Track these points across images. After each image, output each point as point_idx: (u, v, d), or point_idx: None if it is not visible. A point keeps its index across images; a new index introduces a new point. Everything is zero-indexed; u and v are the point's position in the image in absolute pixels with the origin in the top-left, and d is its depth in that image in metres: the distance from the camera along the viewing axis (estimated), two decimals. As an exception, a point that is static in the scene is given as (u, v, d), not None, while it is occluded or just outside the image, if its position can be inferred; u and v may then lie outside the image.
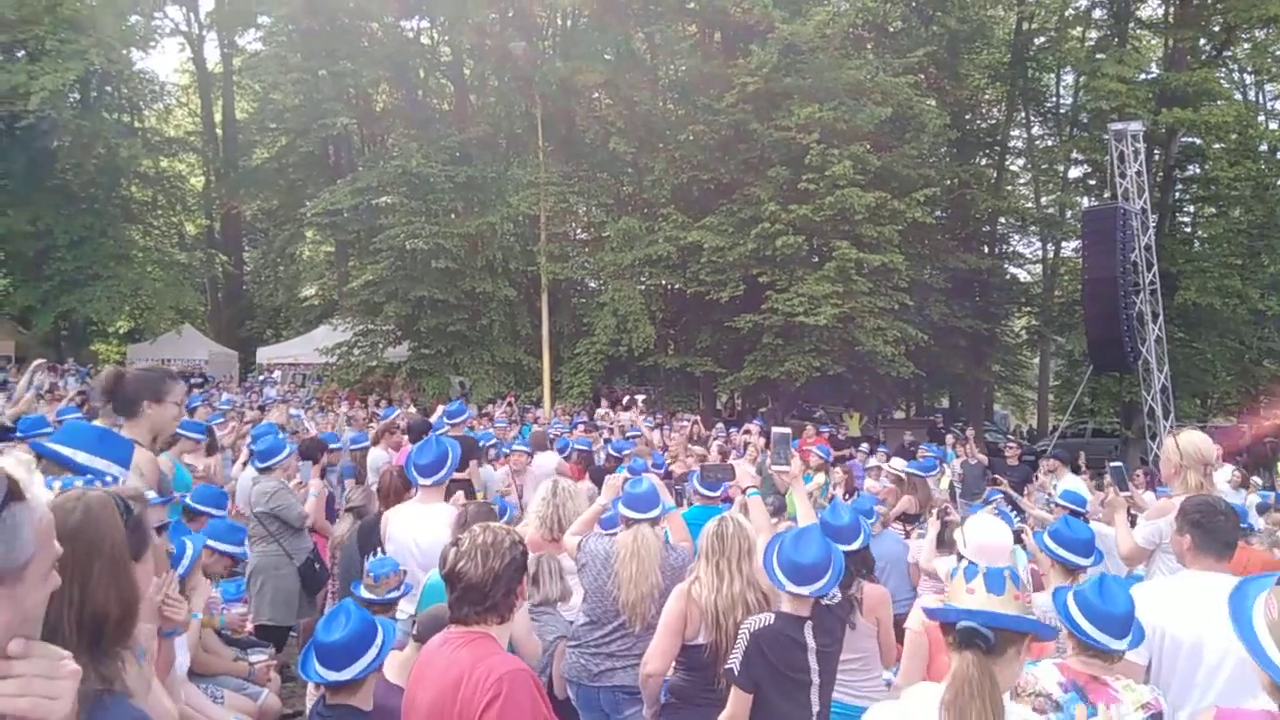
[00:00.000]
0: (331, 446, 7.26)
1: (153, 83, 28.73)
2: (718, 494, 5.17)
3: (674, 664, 3.47)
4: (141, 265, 24.95)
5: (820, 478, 9.25)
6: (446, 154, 21.40)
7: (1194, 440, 4.01)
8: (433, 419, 8.39)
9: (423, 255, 20.08)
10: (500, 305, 21.31)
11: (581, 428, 10.25)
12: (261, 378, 23.48)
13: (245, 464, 6.89)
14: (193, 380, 21.99)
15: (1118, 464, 6.00)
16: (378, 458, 7.79)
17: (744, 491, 4.37)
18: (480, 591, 2.34)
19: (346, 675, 2.88)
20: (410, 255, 20.44)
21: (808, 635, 2.98)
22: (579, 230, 25.49)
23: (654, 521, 3.93)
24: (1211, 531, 3.07)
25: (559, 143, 23.14)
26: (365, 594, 3.86)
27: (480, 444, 7.97)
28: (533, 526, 4.61)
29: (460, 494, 5.12)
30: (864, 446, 14.53)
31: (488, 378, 20.66)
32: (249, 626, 4.62)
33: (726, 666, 3.00)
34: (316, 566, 5.67)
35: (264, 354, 26.23)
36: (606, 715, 3.91)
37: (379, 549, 4.26)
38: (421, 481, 4.45)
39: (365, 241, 22.76)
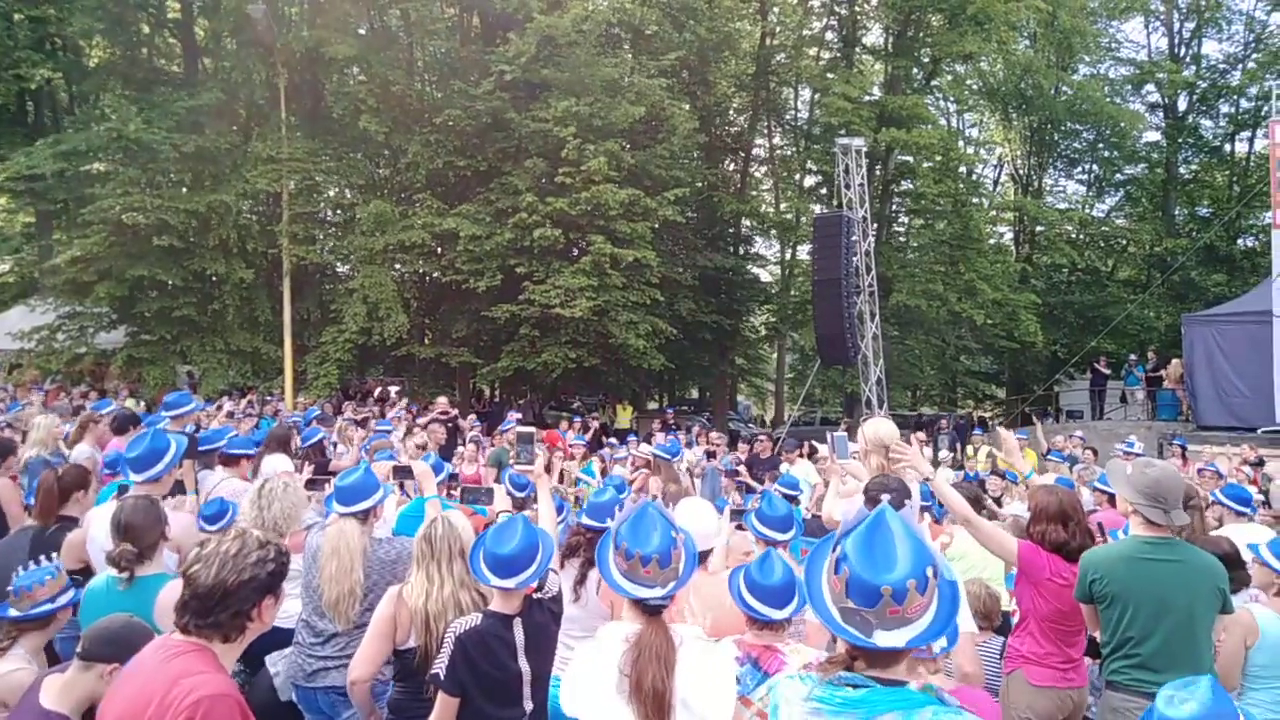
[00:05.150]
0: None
1: None
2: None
3: (392, 678, 3.38)
4: None
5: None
6: (173, 120, 19.38)
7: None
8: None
9: (144, 230, 18.06)
10: (235, 289, 19.62)
11: (315, 422, 9.68)
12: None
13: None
14: None
15: (841, 433, 6.52)
16: (81, 454, 6.97)
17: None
18: (204, 603, 2.13)
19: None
20: (128, 230, 18.32)
21: (516, 633, 2.95)
22: (327, 212, 24.13)
23: (364, 515, 3.75)
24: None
25: (305, 117, 21.72)
26: (12, 612, 3.31)
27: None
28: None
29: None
30: (612, 440, 14.91)
31: (220, 367, 19.02)
32: None
33: (432, 672, 2.93)
34: None
35: (-60, 338, 22.47)
36: (329, 717, 3.74)
37: (52, 556, 3.73)
38: (134, 478, 4.01)
39: (73, 212, 20.15)
